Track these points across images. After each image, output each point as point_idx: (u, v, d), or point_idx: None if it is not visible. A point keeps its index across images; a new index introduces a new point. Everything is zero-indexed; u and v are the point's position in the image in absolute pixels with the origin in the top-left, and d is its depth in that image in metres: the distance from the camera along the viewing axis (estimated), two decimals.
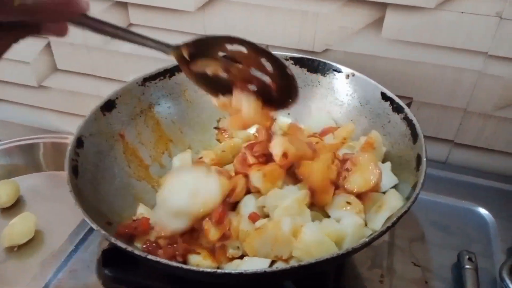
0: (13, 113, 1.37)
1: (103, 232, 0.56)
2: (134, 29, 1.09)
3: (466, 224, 0.89)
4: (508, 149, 0.99)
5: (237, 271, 0.51)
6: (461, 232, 0.87)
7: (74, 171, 0.68)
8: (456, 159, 1.03)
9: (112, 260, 0.76)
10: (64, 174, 0.67)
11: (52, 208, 1.14)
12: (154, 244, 0.63)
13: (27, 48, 1.21)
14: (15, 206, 1.15)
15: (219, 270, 0.51)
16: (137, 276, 0.74)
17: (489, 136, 0.98)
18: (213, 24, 1.01)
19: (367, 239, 0.56)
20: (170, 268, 0.52)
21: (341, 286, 0.75)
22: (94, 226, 0.57)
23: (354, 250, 0.55)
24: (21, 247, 1.04)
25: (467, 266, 0.78)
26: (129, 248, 0.54)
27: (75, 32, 1.09)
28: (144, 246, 0.64)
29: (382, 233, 0.57)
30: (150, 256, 0.52)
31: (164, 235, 0.63)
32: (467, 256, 0.79)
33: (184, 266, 0.52)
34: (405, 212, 0.59)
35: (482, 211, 0.91)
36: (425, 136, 0.71)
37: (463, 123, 0.98)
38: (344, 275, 0.78)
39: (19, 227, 1.04)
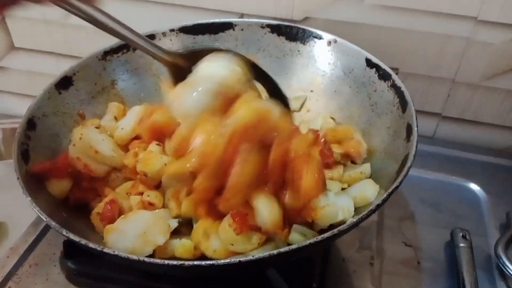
0: None
1: (53, 223, 0.49)
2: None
3: (457, 200, 0.84)
4: (496, 121, 0.94)
5: (208, 263, 0.44)
6: (452, 209, 0.83)
7: (24, 156, 0.60)
8: (444, 133, 0.98)
9: (76, 252, 0.68)
10: None
11: (15, 199, 1.04)
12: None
13: None
14: None
15: (186, 263, 0.44)
16: (102, 268, 0.67)
17: (477, 108, 0.93)
18: None
19: (354, 220, 0.50)
20: (131, 261, 0.45)
21: (329, 271, 0.70)
22: (44, 217, 0.49)
23: (341, 232, 0.49)
24: None
25: (461, 244, 0.73)
26: (83, 241, 0.47)
27: (31, 6, 1.00)
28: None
29: (371, 212, 0.51)
30: (106, 250, 0.45)
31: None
32: (461, 234, 0.74)
33: (146, 260, 0.45)
34: (397, 187, 0.53)
35: (473, 186, 0.87)
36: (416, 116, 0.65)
37: (451, 95, 0.93)
38: (331, 258, 0.72)
39: None
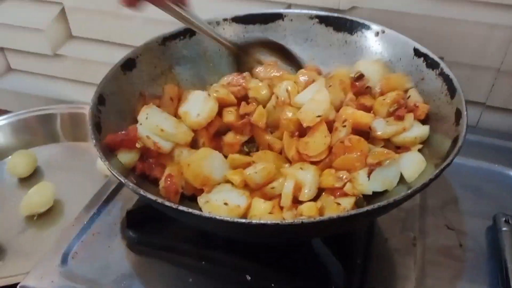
0: (28, 83, 1.35)
1: (131, 184, 0.54)
2: None
3: (499, 187, 0.86)
4: None
5: (273, 222, 0.48)
6: (495, 196, 0.84)
7: (97, 127, 0.66)
8: (487, 122, 0.99)
9: (137, 222, 0.74)
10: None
11: (70, 178, 1.13)
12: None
13: (40, 15, 1.17)
14: (33, 177, 1.14)
15: (254, 221, 0.48)
16: (162, 238, 0.72)
17: None
18: None
19: (409, 192, 0.53)
20: (201, 219, 0.49)
21: (372, 249, 0.73)
22: (122, 179, 0.55)
23: (395, 203, 0.52)
24: (40, 216, 1.04)
25: (504, 228, 0.74)
26: (159, 200, 0.51)
27: None
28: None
29: (424, 186, 0.54)
30: (181, 207, 0.50)
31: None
32: (504, 219, 0.76)
33: (217, 217, 0.49)
34: (449, 163, 0.56)
35: None
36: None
37: (496, 84, 0.94)
38: (375, 237, 0.75)
39: (37, 196, 1.04)
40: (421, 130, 0.69)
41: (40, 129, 1.24)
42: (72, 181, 1.12)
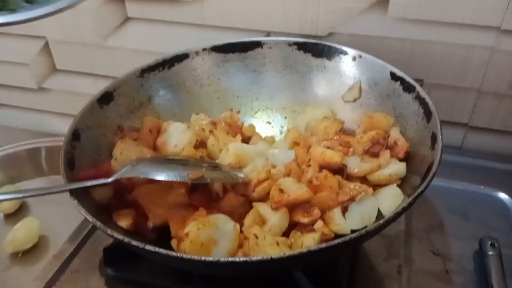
0: (14, 117, 1.35)
1: (98, 224, 0.53)
2: (131, 23, 1.06)
3: (486, 210, 0.84)
4: None
5: (242, 259, 0.47)
6: (482, 218, 0.83)
7: (70, 164, 0.65)
8: (472, 143, 0.98)
9: (115, 259, 0.72)
10: None
11: (56, 213, 1.11)
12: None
13: (24, 49, 1.18)
14: (19, 212, 1.13)
15: (222, 259, 0.47)
16: (141, 274, 0.71)
17: (505, 117, 0.93)
18: (211, 13, 0.98)
19: (381, 222, 0.52)
20: (170, 258, 0.48)
21: (356, 279, 0.71)
22: (90, 218, 0.54)
23: (368, 234, 0.51)
24: (25, 252, 1.01)
25: (490, 253, 0.73)
26: (126, 239, 0.50)
27: (72, 29, 1.08)
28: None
29: (397, 215, 0.53)
30: (148, 247, 0.49)
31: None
32: (490, 242, 0.74)
33: (184, 256, 0.48)
34: (422, 192, 0.55)
35: (502, 196, 0.86)
36: (440, 125, 0.67)
37: (478, 104, 0.93)
38: (359, 266, 0.73)
39: (22, 233, 1.02)
40: (397, 167, 0.68)
41: (26, 163, 1.23)
42: (57, 216, 1.11)
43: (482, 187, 0.88)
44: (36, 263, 1.00)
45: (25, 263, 1.00)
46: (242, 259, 0.47)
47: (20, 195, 0.70)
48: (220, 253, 0.57)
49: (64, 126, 1.31)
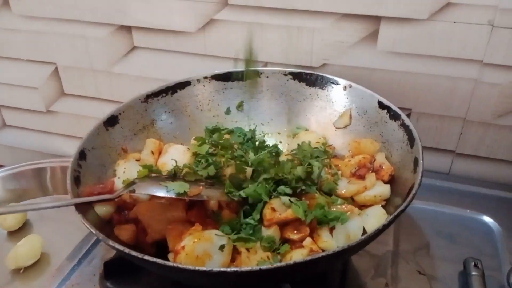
0: (22, 138, 1.40)
1: (101, 235, 0.57)
2: (138, 52, 1.13)
3: (471, 233, 0.88)
4: (510, 157, 0.98)
5: (233, 269, 0.51)
6: (467, 241, 0.86)
7: (76, 181, 0.69)
8: (459, 169, 1.03)
9: (115, 272, 0.76)
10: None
11: (59, 230, 1.14)
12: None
13: (35, 74, 1.25)
14: (22, 229, 1.16)
15: (214, 269, 0.51)
16: (140, 287, 0.74)
17: (490, 144, 0.98)
18: (213, 44, 1.05)
19: (363, 237, 0.56)
20: (165, 268, 0.52)
21: None
22: (93, 230, 0.58)
23: (351, 248, 0.55)
24: (27, 269, 1.04)
25: (474, 273, 0.76)
26: (126, 250, 0.54)
27: (81, 56, 1.14)
28: None
29: (378, 231, 0.57)
30: (146, 257, 0.53)
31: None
32: (473, 263, 0.77)
33: (180, 266, 0.52)
34: (402, 211, 0.59)
35: (487, 219, 0.90)
36: (426, 147, 0.72)
37: (464, 133, 0.98)
38: (347, 284, 0.76)
39: (25, 249, 1.05)
40: (382, 189, 0.72)
41: (31, 183, 1.26)
42: (60, 233, 1.14)
43: (468, 211, 0.92)
44: (38, 279, 1.03)
45: (26, 279, 1.03)
46: (233, 269, 0.51)
47: (28, 208, 0.74)
48: (214, 266, 0.60)
49: (70, 148, 1.37)
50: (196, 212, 0.69)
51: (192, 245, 0.60)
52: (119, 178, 0.74)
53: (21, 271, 1.04)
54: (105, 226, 0.69)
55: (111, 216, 0.71)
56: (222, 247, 0.62)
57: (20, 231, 1.15)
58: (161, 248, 0.68)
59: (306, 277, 0.65)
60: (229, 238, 0.64)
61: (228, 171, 0.75)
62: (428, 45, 0.90)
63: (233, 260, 0.64)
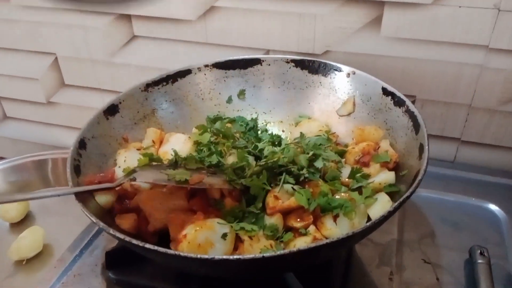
0: (23, 130, 1.40)
1: (101, 224, 0.56)
2: (138, 41, 1.11)
3: (477, 221, 0.87)
4: None
5: (235, 257, 0.50)
6: (473, 229, 0.85)
7: (76, 170, 0.69)
8: (464, 157, 1.01)
9: (116, 263, 0.75)
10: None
11: (61, 222, 1.14)
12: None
13: (35, 65, 1.24)
14: (24, 221, 1.16)
15: (216, 257, 0.50)
16: (142, 278, 0.73)
17: (496, 131, 0.96)
18: (214, 32, 1.03)
19: (367, 224, 0.55)
20: (167, 256, 0.51)
21: (349, 285, 0.73)
22: (93, 219, 0.57)
23: (355, 235, 0.54)
24: (29, 260, 1.04)
25: (480, 261, 0.75)
26: (127, 239, 0.54)
27: (81, 46, 1.13)
28: None
29: (383, 218, 0.56)
30: (147, 245, 0.52)
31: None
32: (479, 251, 0.77)
33: (181, 254, 0.51)
34: (408, 197, 0.58)
35: (493, 207, 0.89)
36: (431, 135, 0.70)
37: (469, 120, 0.97)
38: (352, 272, 0.76)
39: (27, 241, 1.05)
40: (386, 176, 0.71)
41: (32, 175, 1.26)
42: (62, 225, 1.14)
43: (473, 199, 0.91)
44: (40, 271, 1.03)
45: (29, 271, 1.03)
46: (235, 257, 0.50)
47: (28, 196, 0.73)
48: (216, 254, 0.60)
49: (71, 139, 1.35)
50: (198, 201, 0.68)
51: (194, 234, 0.60)
52: (119, 167, 0.73)
53: (24, 262, 1.04)
54: (106, 216, 0.68)
55: (112, 205, 0.70)
56: (224, 236, 0.61)
57: (22, 223, 1.15)
58: (163, 237, 0.67)
59: (310, 266, 0.64)
60: (232, 226, 0.63)
61: (230, 159, 0.74)
62: (432, 30, 0.89)
63: (236, 248, 0.63)
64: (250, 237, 0.61)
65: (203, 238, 0.60)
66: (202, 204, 0.67)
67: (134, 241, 0.53)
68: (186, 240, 0.59)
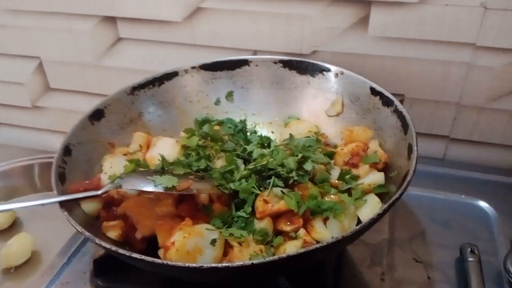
0: (8, 135, 1.37)
1: (87, 234, 0.55)
2: (124, 43, 1.10)
3: (467, 218, 0.87)
4: (504, 142, 0.97)
5: (224, 265, 0.49)
6: (463, 227, 0.85)
7: (61, 178, 0.67)
8: (454, 154, 1.01)
9: (105, 270, 0.74)
10: None
11: (49, 228, 1.12)
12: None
13: (19, 69, 1.22)
14: (12, 228, 1.14)
15: (205, 265, 0.49)
16: (130, 285, 0.73)
17: (484, 129, 0.97)
18: (201, 33, 1.02)
19: (357, 227, 0.54)
20: (154, 265, 0.50)
21: (340, 285, 0.73)
22: (79, 228, 0.56)
23: (345, 239, 0.53)
24: (18, 268, 1.02)
25: (470, 259, 0.75)
26: (113, 248, 0.53)
27: (66, 49, 1.11)
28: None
29: (372, 221, 0.55)
30: (134, 255, 0.51)
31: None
32: (469, 249, 0.77)
33: (169, 263, 0.51)
34: (397, 199, 0.58)
35: (483, 204, 0.89)
36: (420, 133, 0.70)
37: (457, 117, 0.97)
38: (343, 274, 0.75)
39: (15, 248, 1.03)
40: (375, 177, 0.71)
41: (19, 180, 1.24)
42: (51, 231, 1.12)
43: (463, 196, 0.91)
44: (28, 278, 1.01)
45: (17, 278, 1.01)
46: (224, 264, 0.49)
47: (11, 207, 0.72)
48: (206, 261, 0.59)
49: (58, 144, 1.34)
50: (186, 206, 0.67)
51: (183, 241, 0.59)
52: (105, 173, 0.72)
53: (12, 270, 1.02)
54: (93, 224, 0.67)
55: (99, 212, 0.69)
56: (213, 242, 0.60)
57: (9, 230, 1.13)
58: (152, 244, 0.66)
59: (301, 268, 0.63)
60: (221, 232, 0.62)
61: (219, 163, 0.73)
62: (419, 29, 0.89)
63: (225, 254, 0.62)
64: (240, 243, 0.60)
65: (192, 245, 0.59)
66: (190, 210, 0.67)
67: (121, 251, 0.52)
68: (175, 247, 0.58)
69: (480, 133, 0.97)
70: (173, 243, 0.58)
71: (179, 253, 0.58)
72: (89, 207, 0.67)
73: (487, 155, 0.99)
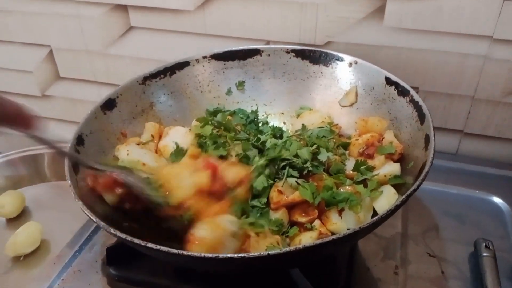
0: None
1: (102, 223, 0.54)
2: (135, 32, 1.09)
3: (481, 213, 0.86)
4: None
5: (239, 255, 0.48)
6: (477, 222, 0.84)
7: (74, 167, 0.67)
8: (467, 149, 1.00)
9: (117, 259, 0.74)
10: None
11: (58, 218, 1.12)
12: None
13: (29, 57, 1.21)
14: (21, 216, 1.14)
15: (221, 255, 0.49)
16: (142, 274, 0.72)
17: (499, 123, 0.95)
18: (212, 23, 1.01)
19: (374, 219, 0.53)
20: (170, 255, 0.50)
21: (353, 279, 0.72)
22: (94, 218, 0.55)
23: (362, 230, 0.52)
24: (26, 256, 1.02)
25: (485, 254, 0.74)
26: (128, 238, 0.52)
27: (76, 37, 1.10)
28: None
29: (389, 212, 0.54)
30: (150, 245, 0.50)
31: None
32: (484, 244, 0.76)
33: (184, 252, 0.50)
34: (415, 190, 0.57)
35: (497, 200, 0.88)
36: (433, 127, 0.68)
37: (472, 112, 0.95)
38: (356, 266, 0.75)
39: (24, 237, 1.03)
40: (391, 168, 0.70)
41: (28, 169, 1.24)
42: (59, 220, 1.12)
43: (477, 191, 0.90)
44: (37, 267, 1.01)
45: (26, 267, 1.01)
46: (239, 255, 0.48)
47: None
48: (227, 252, 0.58)
49: (67, 133, 1.33)
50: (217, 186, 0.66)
51: (204, 234, 0.58)
52: (122, 161, 0.71)
53: (21, 258, 1.02)
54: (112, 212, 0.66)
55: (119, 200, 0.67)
56: (235, 234, 0.59)
57: (18, 218, 1.13)
58: (162, 232, 0.65)
59: (315, 260, 0.63)
60: (241, 222, 0.61)
61: (234, 151, 0.72)
62: (436, 20, 0.87)
63: (242, 243, 0.61)
64: (257, 233, 0.60)
65: (214, 240, 0.58)
66: (221, 190, 0.65)
67: (136, 240, 0.51)
68: (196, 240, 0.57)
69: (495, 128, 0.96)
70: (194, 236, 0.57)
71: (200, 246, 0.56)
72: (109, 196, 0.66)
73: (501, 150, 0.98)
